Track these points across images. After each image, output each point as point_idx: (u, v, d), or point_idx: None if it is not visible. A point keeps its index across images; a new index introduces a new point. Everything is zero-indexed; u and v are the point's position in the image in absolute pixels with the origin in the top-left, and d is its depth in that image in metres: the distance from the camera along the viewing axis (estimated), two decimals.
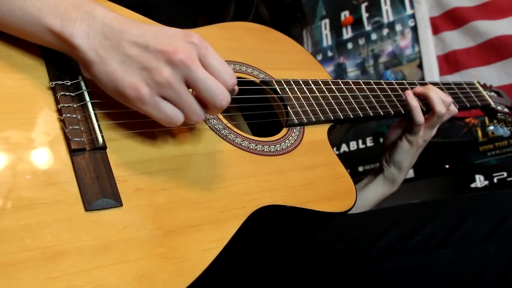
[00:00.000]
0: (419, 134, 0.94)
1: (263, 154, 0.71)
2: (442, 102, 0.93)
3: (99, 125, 0.57)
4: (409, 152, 0.97)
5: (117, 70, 0.54)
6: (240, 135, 0.71)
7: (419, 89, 0.95)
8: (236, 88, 0.60)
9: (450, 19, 1.84)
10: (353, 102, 0.86)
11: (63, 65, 0.61)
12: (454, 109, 0.98)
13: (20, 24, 0.56)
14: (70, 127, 0.56)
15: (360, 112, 0.85)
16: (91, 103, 0.59)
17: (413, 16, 1.96)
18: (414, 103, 0.92)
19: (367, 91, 0.90)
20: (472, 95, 1.08)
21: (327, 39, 2.19)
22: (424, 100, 0.94)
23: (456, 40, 1.81)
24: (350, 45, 2.12)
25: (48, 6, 0.55)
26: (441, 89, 1.00)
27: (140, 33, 0.56)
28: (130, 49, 0.55)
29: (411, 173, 1.82)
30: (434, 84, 1.00)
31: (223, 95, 0.56)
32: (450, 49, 1.82)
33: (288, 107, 0.79)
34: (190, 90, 0.57)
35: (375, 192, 1.01)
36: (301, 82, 0.83)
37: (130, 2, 0.70)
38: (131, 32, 0.55)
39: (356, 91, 0.89)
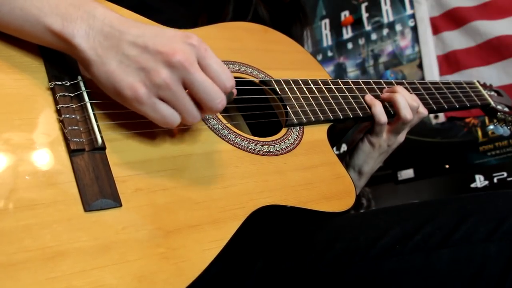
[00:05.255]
0: (382, 137, 0.88)
1: (263, 154, 0.71)
2: (409, 107, 0.86)
3: (98, 126, 0.57)
4: (370, 156, 0.90)
5: (115, 70, 0.54)
6: (240, 135, 0.71)
7: (386, 93, 0.89)
8: (234, 91, 0.60)
9: (450, 19, 1.84)
10: (352, 102, 0.86)
11: (63, 66, 0.61)
12: (423, 111, 0.91)
13: (21, 24, 0.56)
14: (69, 128, 0.56)
15: (359, 112, 0.85)
16: (90, 103, 0.59)
17: (413, 16, 1.96)
18: (375, 101, 0.86)
19: (366, 91, 0.90)
20: (472, 94, 1.08)
21: (327, 39, 2.19)
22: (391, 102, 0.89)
23: (456, 40, 1.81)
24: (350, 45, 2.12)
25: (48, 6, 0.56)
26: (408, 89, 0.94)
27: (140, 34, 0.56)
28: (129, 49, 0.55)
29: (411, 173, 1.82)
30: (410, 83, 0.97)
31: (219, 98, 0.56)
32: (450, 49, 1.83)
33: (288, 107, 0.79)
34: (187, 91, 0.57)
35: None
36: (301, 82, 0.83)
37: (130, 3, 0.70)
38: (130, 32, 0.55)
39: (356, 91, 0.89)
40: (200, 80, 0.55)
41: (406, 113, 0.86)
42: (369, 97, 0.87)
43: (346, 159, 0.94)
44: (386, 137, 0.89)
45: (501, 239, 0.61)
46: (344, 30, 2.15)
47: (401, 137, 0.90)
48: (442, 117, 1.83)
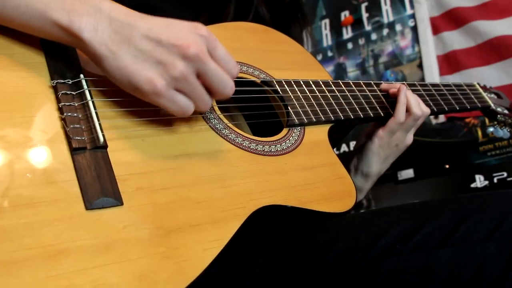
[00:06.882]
0: (395, 135, 0.89)
1: (264, 154, 0.71)
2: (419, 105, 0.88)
3: (100, 124, 0.57)
4: (378, 156, 0.91)
5: (130, 65, 0.55)
6: (241, 135, 0.71)
7: (394, 90, 0.89)
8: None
9: (450, 19, 1.84)
10: (353, 102, 0.86)
11: (65, 64, 0.61)
12: (426, 110, 0.91)
13: (27, 19, 0.57)
14: (71, 126, 0.56)
15: (360, 113, 0.85)
16: (93, 102, 0.59)
17: (413, 16, 1.96)
18: (404, 99, 0.87)
19: (367, 91, 0.90)
20: (472, 96, 1.08)
21: (327, 39, 2.20)
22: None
23: (456, 40, 1.81)
24: (350, 45, 2.13)
25: (54, 1, 0.56)
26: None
27: (150, 26, 0.56)
28: (142, 43, 0.55)
29: (411, 173, 1.82)
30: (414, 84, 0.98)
31: (230, 85, 0.60)
32: (450, 49, 1.83)
33: (289, 107, 0.79)
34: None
35: None
36: (302, 83, 0.83)
37: (131, 2, 0.71)
38: (140, 25, 0.56)
39: (357, 91, 0.89)
40: (214, 69, 0.58)
41: (417, 110, 0.87)
42: (402, 91, 0.87)
43: (354, 162, 0.93)
44: (395, 138, 0.89)
45: (501, 239, 0.61)
46: (344, 30, 2.15)
47: (409, 138, 0.91)
48: (442, 117, 1.83)
